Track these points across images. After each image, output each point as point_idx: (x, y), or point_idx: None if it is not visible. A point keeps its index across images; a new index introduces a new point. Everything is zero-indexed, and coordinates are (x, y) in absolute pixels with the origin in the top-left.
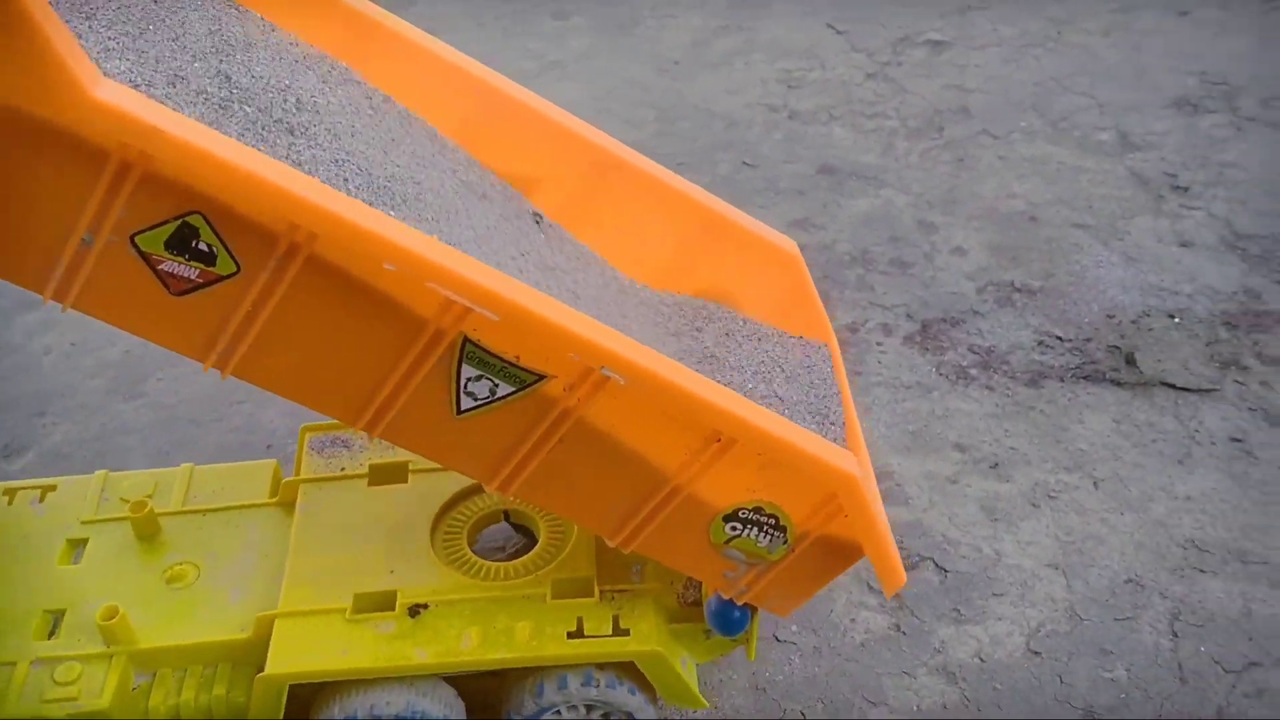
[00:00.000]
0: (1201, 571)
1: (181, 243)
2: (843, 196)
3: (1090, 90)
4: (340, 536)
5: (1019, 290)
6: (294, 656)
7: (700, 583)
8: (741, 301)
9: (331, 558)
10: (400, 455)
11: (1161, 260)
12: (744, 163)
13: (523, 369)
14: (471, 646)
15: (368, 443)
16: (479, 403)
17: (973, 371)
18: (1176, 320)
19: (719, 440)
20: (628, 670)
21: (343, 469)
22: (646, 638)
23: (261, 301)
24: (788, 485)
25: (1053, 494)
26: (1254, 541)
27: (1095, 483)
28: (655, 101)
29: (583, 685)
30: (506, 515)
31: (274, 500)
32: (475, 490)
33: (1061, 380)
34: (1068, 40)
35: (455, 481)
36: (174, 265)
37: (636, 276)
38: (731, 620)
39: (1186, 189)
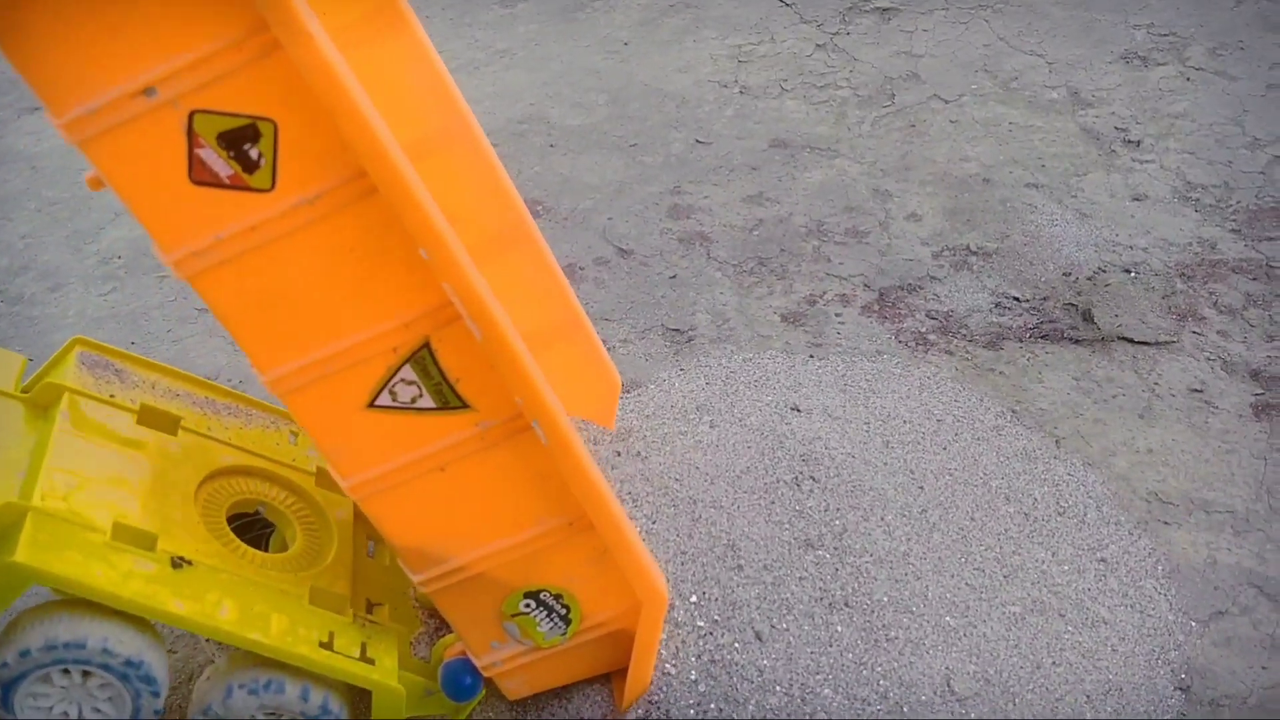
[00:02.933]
0: (1166, 524)
1: (235, 140)
2: (796, 169)
3: (1039, 49)
4: (102, 460)
5: (975, 253)
6: (48, 556)
7: (430, 641)
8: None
9: (91, 477)
10: (172, 406)
11: (1115, 215)
12: (697, 140)
13: (456, 393)
14: (230, 619)
15: (138, 379)
16: (394, 405)
17: (931, 337)
18: (1132, 274)
19: (574, 522)
20: (344, 696)
21: (112, 395)
22: (390, 673)
23: (272, 226)
24: (602, 583)
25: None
26: (1217, 491)
27: (1057, 441)
28: (606, 84)
29: (301, 698)
30: (260, 509)
31: (20, 394)
32: (238, 471)
33: (1020, 341)
34: (1015, 0)
35: (220, 454)
36: (212, 155)
37: None
38: (462, 686)
39: (1138, 143)
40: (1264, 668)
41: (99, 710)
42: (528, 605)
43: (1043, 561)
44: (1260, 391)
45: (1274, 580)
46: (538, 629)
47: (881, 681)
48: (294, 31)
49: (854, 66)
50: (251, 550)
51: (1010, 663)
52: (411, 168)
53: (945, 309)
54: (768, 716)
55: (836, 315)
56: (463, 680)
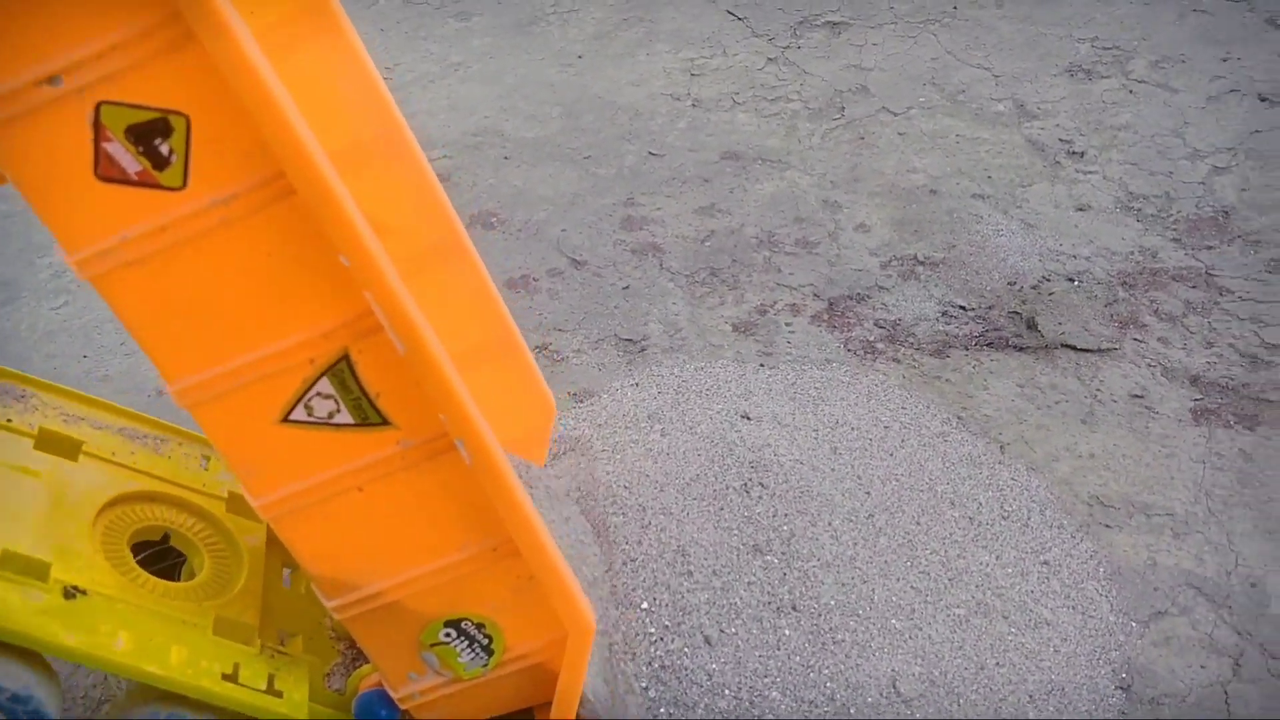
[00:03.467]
0: (1107, 527)
1: (145, 135)
2: (748, 181)
3: (986, 62)
4: None
5: (922, 263)
6: None
7: (346, 672)
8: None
9: None
10: (74, 431)
11: (1060, 225)
12: (650, 153)
13: (376, 408)
14: (125, 650)
15: (40, 403)
16: (309, 420)
17: (879, 345)
18: (1076, 283)
19: (498, 548)
20: None
21: (9, 420)
22: (298, 706)
23: (182, 227)
24: (527, 612)
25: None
26: (1156, 494)
27: (1002, 447)
28: (559, 97)
29: None
30: (167, 536)
31: None
32: (142, 497)
33: (966, 349)
34: (963, 15)
35: (123, 480)
36: (120, 150)
37: None
38: (377, 718)
39: (1082, 154)
40: (1202, 666)
41: None
42: (448, 635)
43: (987, 565)
44: (1199, 397)
45: (1212, 581)
46: (458, 659)
47: (828, 684)
48: (211, 24)
49: (804, 80)
50: (153, 579)
51: (955, 664)
52: (333, 169)
53: (893, 318)
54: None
55: (787, 325)
56: (378, 713)
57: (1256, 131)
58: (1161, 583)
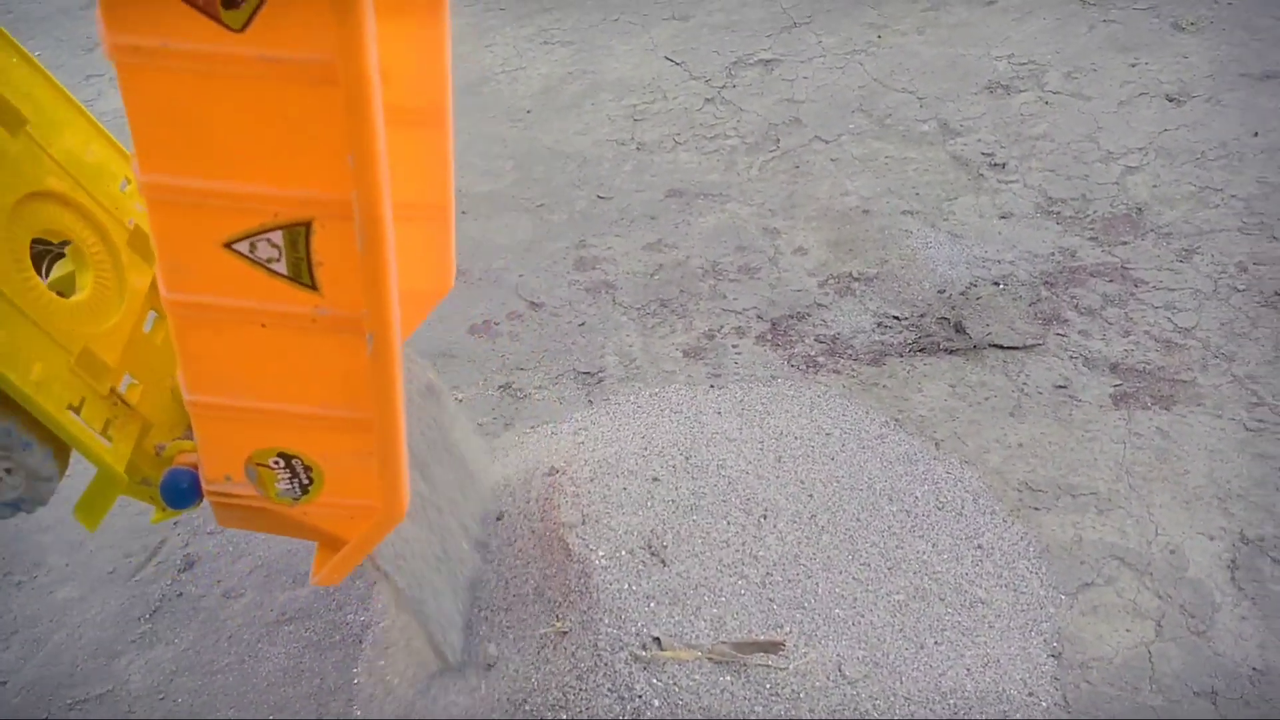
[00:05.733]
0: (1036, 509)
1: None
2: (691, 215)
3: (910, 86)
4: None
5: (857, 279)
6: None
7: (172, 434)
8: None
9: None
10: (23, 105)
11: (984, 233)
12: (599, 196)
13: (312, 274)
14: None
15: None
16: (249, 256)
17: (820, 359)
18: (1001, 286)
19: (357, 421)
20: (62, 461)
21: None
22: (120, 458)
23: (223, 64)
24: (354, 477)
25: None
26: (1081, 476)
27: (936, 443)
28: (511, 151)
29: (24, 447)
30: (66, 242)
31: None
32: (59, 199)
33: (901, 356)
34: (886, 43)
35: (46, 173)
36: None
37: None
38: (178, 492)
39: (1003, 165)
40: (1127, 630)
41: None
42: (277, 462)
43: (923, 552)
44: (1119, 382)
45: (1134, 551)
46: (275, 485)
47: (778, 671)
48: None
49: (740, 116)
50: (42, 287)
51: (896, 645)
52: (379, 83)
53: (832, 333)
54: (676, 714)
55: (734, 347)
56: (180, 485)
57: (1165, 130)
58: (1088, 556)
